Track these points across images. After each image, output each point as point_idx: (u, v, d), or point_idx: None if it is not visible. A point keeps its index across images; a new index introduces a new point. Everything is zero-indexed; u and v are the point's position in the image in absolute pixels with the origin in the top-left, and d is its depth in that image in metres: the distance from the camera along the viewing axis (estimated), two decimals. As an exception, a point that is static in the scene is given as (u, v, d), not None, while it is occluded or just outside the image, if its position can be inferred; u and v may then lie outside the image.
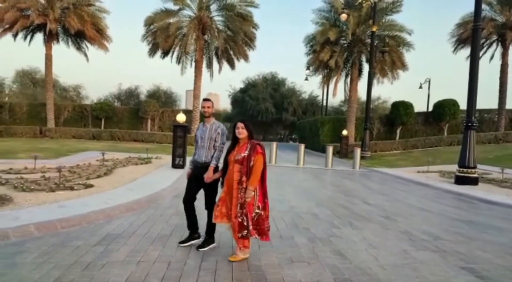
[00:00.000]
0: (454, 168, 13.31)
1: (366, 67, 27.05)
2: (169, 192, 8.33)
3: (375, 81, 26.32)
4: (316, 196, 9.25)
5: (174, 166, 12.15)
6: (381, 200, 9.28)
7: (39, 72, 43.57)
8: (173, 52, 26.25)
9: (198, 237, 4.82)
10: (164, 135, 24.97)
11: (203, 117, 4.78)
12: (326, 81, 29.46)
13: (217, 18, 25.57)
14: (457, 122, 26.21)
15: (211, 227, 4.69)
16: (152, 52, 26.35)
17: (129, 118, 29.52)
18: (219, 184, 4.52)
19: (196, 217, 4.84)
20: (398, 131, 27.53)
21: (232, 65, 27.30)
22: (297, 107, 52.00)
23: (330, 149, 16.93)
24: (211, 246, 4.69)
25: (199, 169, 4.63)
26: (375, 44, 22.94)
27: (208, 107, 4.65)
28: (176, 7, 24.77)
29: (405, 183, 13.24)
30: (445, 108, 26.03)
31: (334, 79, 27.85)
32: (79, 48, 27.44)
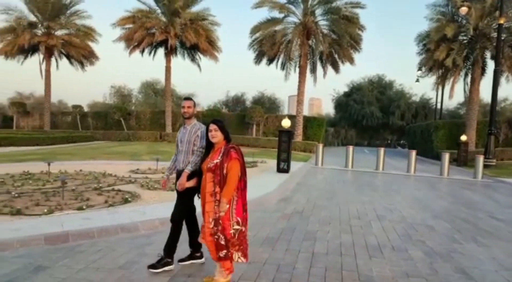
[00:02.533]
0: None
1: (490, 65, 24.07)
2: (275, 195, 8.50)
3: (502, 80, 23.24)
4: (430, 206, 8.50)
5: (279, 170, 12.38)
6: (512, 216, 8.10)
7: (159, 83, 48.70)
8: (278, 59, 26.89)
9: (201, 257, 4.27)
10: (268, 140, 25.65)
11: (184, 119, 4.22)
12: (441, 82, 27.03)
13: (322, 22, 25.46)
14: None
15: (171, 245, 4.04)
16: (258, 59, 27.37)
17: (236, 123, 31.04)
18: (196, 195, 3.94)
19: (177, 238, 4.11)
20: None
21: (336, 69, 26.84)
22: (405, 111, 48.71)
23: (446, 156, 15.43)
24: (194, 261, 4.20)
25: (177, 176, 4.12)
26: (502, 38, 20.25)
27: (189, 107, 4.12)
28: (281, 15, 25.36)
29: (543, 197, 11.34)
30: None
31: (450, 80, 25.39)
32: (193, 59, 29.94)
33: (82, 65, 32.19)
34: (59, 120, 35.48)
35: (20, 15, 28.83)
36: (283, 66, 26.93)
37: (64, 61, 32.12)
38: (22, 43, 27.96)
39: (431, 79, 29.66)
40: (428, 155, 26.77)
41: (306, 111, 27.29)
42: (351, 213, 7.24)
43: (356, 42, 25.41)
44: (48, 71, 30.10)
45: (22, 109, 34.40)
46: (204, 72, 31.07)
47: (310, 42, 25.51)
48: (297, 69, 26.14)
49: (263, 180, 10.54)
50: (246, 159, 15.88)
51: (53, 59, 30.64)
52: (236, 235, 3.46)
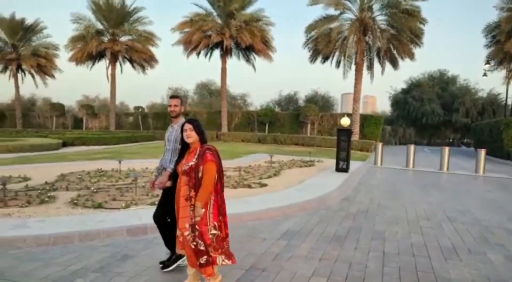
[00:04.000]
0: None
1: None
2: (337, 194, 8.43)
3: None
4: (506, 209, 7.96)
5: (338, 169, 12.23)
6: None
7: (214, 84, 49.96)
8: (332, 57, 26.50)
9: (182, 256, 3.97)
10: (324, 139, 25.36)
11: (171, 117, 4.13)
12: (512, 76, 25.08)
13: (380, 17, 24.68)
14: None
15: (168, 240, 3.96)
16: (313, 58, 27.17)
17: (290, 122, 31.04)
18: None
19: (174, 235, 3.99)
20: None
21: (395, 65, 25.89)
22: (470, 108, 45.62)
23: (520, 156, 14.30)
24: (179, 262, 3.98)
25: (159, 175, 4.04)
26: None
27: (175, 105, 4.04)
28: (336, 12, 24.94)
29: None
30: None
31: (523, 73, 23.48)
32: (248, 60, 30.39)
33: (143, 68, 33.97)
34: (123, 121, 37.72)
35: (88, 23, 31.05)
36: (338, 64, 26.50)
37: (127, 65, 34.16)
38: (91, 50, 30.13)
39: (501, 73, 27.57)
40: (497, 154, 24.93)
41: (360, 109, 26.55)
42: (418, 213, 7.00)
43: (417, 37, 24.31)
44: (113, 75, 32.12)
45: (91, 111, 36.99)
46: (257, 72, 31.42)
47: (366, 38, 24.85)
48: (353, 67, 25.58)
49: (323, 179, 10.48)
50: (303, 158, 15.85)
51: (117, 64, 32.66)
52: (215, 240, 3.25)
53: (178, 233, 3.37)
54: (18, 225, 5.26)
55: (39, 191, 7.67)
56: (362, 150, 23.14)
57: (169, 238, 3.91)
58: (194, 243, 3.21)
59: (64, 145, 20.04)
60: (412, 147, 15.78)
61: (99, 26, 31.63)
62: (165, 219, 3.93)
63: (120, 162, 10.90)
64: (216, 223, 3.27)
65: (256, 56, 29.74)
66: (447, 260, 4.45)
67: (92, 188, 8.08)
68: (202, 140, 3.38)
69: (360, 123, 26.52)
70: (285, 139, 26.62)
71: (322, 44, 24.80)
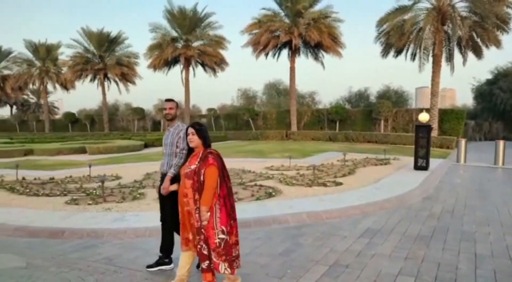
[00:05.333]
0: None
1: None
2: (418, 193, 8.07)
3: None
4: None
5: (417, 167, 11.66)
6: None
7: (282, 84, 50.20)
8: (407, 50, 25.16)
9: (169, 262, 4.08)
10: (399, 136, 24.22)
11: (166, 121, 4.15)
12: None
13: (460, 4, 22.88)
14: None
15: (165, 246, 4.04)
16: (385, 52, 26.05)
17: (362, 119, 30.09)
18: None
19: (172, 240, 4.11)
20: None
21: (478, 54, 23.83)
22: None
23: None
24: (163, 267, 3.99)
25: (162, 179, 3.98)
26: None
27: (170, 108, 4.03)
28: (410, 2, 23.66)
29: None
30: None
31: None
32: (316, 58, 30.10)
33: (214, 71, 35.29)
34: (196, 122, 39.57)
35: (164, 32, 33.07)
36: (413, 57, 25.07)
37: (199, 69, 35.77)
38: (166, 56, 32.02)
39: None
40: None
41: (439, 104, 24.87)
42: (513, 214, 6.46)
43: (504, 22, 22.12)
44: (186, 79, 33.81)
45: (166, 114, 39.35)
46: (326, 69, 30.99)
47: (445, 28, 23.21)
48: (430, 59, 24.05)
49: (401, 178, 10.09)
50: (377, 156, 15.35)
51: (190, 68, 34.34)
52: (222, 245, 3.22)
53: (190, 235, 3.39)
54: (118, 219, 5.86)
55: (130, 188, 8.43)
56: (441, 146, 21.70)
57: (168, 243, 4.01)
58: (199, 246, 3.24)
59: (146, 146, 21.62)
60: (501, 143, 14.45)
61: (174, 33, 33.48)
62: (175, 220, 3.82)
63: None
64: (224, 228, 3.24)
65: (324, 53, 29.36)
66: (550, 264, 4.09)
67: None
68: (205, 144, 3.38)
69: (439, 119, 24.87)
70: (357, 137, 25.92)
71: (394, 37, 23.66)
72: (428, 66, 24.14)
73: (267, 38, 27.16)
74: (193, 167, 3.29)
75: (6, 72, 44.36)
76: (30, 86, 44.56)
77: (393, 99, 39.53)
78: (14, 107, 57.15)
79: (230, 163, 13.57)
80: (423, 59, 23.69)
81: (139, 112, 39.70)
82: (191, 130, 3.38)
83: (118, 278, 3.80)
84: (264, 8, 28.71)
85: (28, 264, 4.12)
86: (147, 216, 6.01)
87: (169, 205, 3.86)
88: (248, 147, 21.78)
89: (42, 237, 5.18)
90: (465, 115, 28.12)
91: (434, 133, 23.43)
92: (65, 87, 42.12)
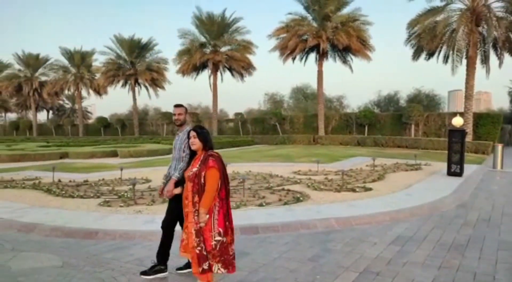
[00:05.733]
0: None
1: None
2: (452, 200, 7.80)
3: None
4: None
5: (450, 173, 11.28)
6: None
7: (309, 88, 49.91)
8: (439, 52, 24.47)
9: (166, 270, 4.03)
10: (430, 141, 23.52)
11: (175, 125, 4.22)
12: None
13: (496, 4, 22.06)
14: None
15: (162, 252, 3.99)
16: (416, 55, 25.42)
17: (391, 124, 29.46)
18: None
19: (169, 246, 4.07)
20: None
21: (515, 56, 22.90)
22: None
23: None
24: (158, 275, 3.92)
25: (166, 183, 4.04)
26: None
27: (179, 114, 4.09)
28: (442, 3, 23.02)
29: None
30: None
31: None
32: (344, 61, 29.75)
33: (241, 76, 35.56)
34: (223, 126, 39.92)
35: (193, 37, 33.68)
36: (445, 60, 24.35)
37: (226, 73, 36.13)
38: (195, 62, 32.58)
39: None
40: None
41: (473, 107, 24.00)
42: (555, 224, 6.13)
43: (543, 22, 21.18)
44: (214, 84, 34.25)
45: (195, 118, 39.95)
46: (354, 73, 30.55)
47: (480, 29, 22.43)
48: (464, 61, 23.28)
49: (434, 184, 9.79)
50: (408, 161, 14.99)
51: (218, 73, 34.75)
52: (218, 246, 3.29)
53: (183, 236, 3.45)
54: (148, 221, 5.99)
55: (160, 191, 8.59)
56: (476, 152, 20.90)
57: (165, 249, 3.98)
58: (199, 248, 3.27)
59: (175, 149, 22.00)
60: (541, 148, 13.78)
61: (202, 39, 34.02)
62: (172, 228, 3.99)
63: (226, 165, 11.59)
64: (221, 230, 3.31)
65: (353, 56, 28.99)
66: None
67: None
68: (206, 147, 3.45)
69: (473, 123, 24.01)
70: (386, 141, 25.39)
71: (426, 39, 23.06)
72: (462, 68, 23.40)
73: (294, 42, 27.13)
74: (194, 169, 3.37)
75: (43, 78, 46.49)
76: (66, 91, 46.34)
77: (424, 103, 38.51)
78: (51, 112, 59.67)
79: (257, 167, 13.65)
80: (456, 62, 22.97)
81: (168, 117, 40.47)
82: (192, 133, 3.47)
83: (149, 279, 3.87)
84: (291, 13, 28.71)
85: (64, 263, 4.28)
86: (177, 218, 6.10)
87: (176, 209, 3.85)
88: (275, 151, 21.76)
89: (77, 237, 5.37)
90: (501, 119, 27.00)
91: (469, 138, 22.62)
92: (98, 92, 43.54)
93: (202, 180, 3.28)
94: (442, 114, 28.19)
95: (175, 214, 3.91)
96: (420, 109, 27.37)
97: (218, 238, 3.29)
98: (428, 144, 23.42)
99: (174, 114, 4.13)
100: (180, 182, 3.78)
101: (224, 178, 3.38)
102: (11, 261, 4.41)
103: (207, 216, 3.25)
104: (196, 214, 3.28)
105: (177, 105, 4.18)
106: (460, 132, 11.55)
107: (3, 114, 59.03)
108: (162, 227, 4.00)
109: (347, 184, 9.60)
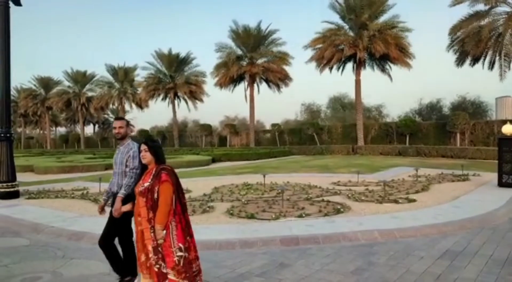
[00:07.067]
0: None
1: None
2: (504, 213, 7.34)
3: None
4: None
5: (502, 184, 10.64)
6: None
7: (347, 97, 49.19)
8: (484, 57, 23.44)
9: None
10: (478, 150, 22.36)
11: (117, 140, 4.07)
12: None
13: (545, 5, 20.95)
14: None
15: (128, 263, 3.87)
16: (460, 61, 24.51)
17: (434, 133, 28.37)
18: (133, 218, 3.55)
19: (120, 258, 3.94)
20: None
21: None
22: None
23: None
24: None
25: (113, 200, 3.85)
26: None
27: (120, 127, 3.91)
28: (486, 7, 22.12)
29: None
30: None
31: None
32: (383, 70, 29.16)
33: (278, 87, 35.75)
34: (260, 137, 40.12)
35: (230, 51, 34.35)
36: (491, 65, 23.28)
37: (263, 85, 36.44)
38: (232, 74, 33.20)
39: None
40: None
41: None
42: None
43: None
44: (251, 96, 34.61)
45: (233, 130, 40.47)
46: (394, 81, 29.82)
47: (529, 31, 21.31)
48: (512, 66, 22.16)
49: (484, 195, 9.27)
50: (455, 172, 14.29)
51: (254, 85, 35.12)
52: (181, 262, 3.14)
53: (142, 256, 3.30)
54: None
55: (200, 202, 8.74)
56: (529, 161, 19.61)
57: (117, 262, 3.87)
58: (157, 266, 3.16)
59: (213, 160, 22.37)
60: None
61: (239, 52, 34.64)
62: (112, 242, 3.88)
63: (264, 176, 11.61)
64: (182, 245, 3.17)
65: (392, 65, 28.36)
66: None
67: (243, 200, 8.81)
68: (158, 160, 3.33)
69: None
70: (429, 151, 24.41)
71: (470, 44, 22.20)
72: (510, 74, 22.28)
73: (331, 52, 27.01)
74: (146, 184, 3.24)
75: (90, 94, 49.06)
76: (110, 106, 48.57)
77: (470, 110, 36.80)
78: (96, 125, 62.65)
79: (295, 178, 13.56)
80: (504, 67, 21.91)
81: (207, 129, 41.32)
82: (143, 147, 3.35)
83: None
84: (326, 21, 28.65)
85: (111, 271, 4.43)
86: (217, 228, 6.17)
87: (119, 227, 3.85)
88: (313, 161, 21.54)
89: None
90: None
91: (520, 146, 21.27)
92: (140, 106, 45.28)
93: (156, 194, 3.18)
94: (490, 122, 26.80)
95: (117, 231, 3.89)
96: (466, 117, 26.18)
97: (180, 253, 3.16)
98: (475, 153, 22.28)
99: (115, 128, 4.01)
100: (128, 199, 3.64)
101: (179, 191, 3.28)
102: (62, 268, 4.63)
103: (164, 231, 3.12)
104: (152, 230, 3.17)
105: (117, 118, 4.11)
106: (511, 141, 10.91)
107: (54, 128, 62.75)
108: (100, 245, 3.85)
109: (389, 195, 9.30)
